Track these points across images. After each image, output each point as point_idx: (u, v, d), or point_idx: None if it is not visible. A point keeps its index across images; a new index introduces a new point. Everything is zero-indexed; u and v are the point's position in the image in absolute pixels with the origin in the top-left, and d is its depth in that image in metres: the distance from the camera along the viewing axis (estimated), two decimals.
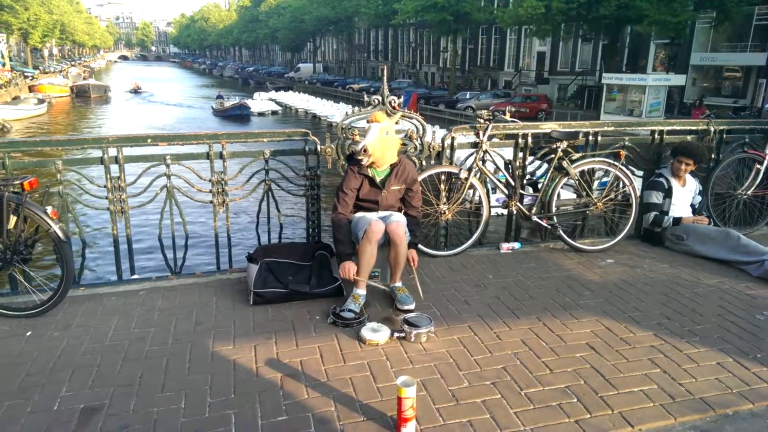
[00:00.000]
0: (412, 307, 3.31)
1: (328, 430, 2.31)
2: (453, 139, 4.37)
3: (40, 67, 56.73)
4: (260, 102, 40.71)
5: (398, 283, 3.49)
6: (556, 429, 2.32)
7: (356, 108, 4.18)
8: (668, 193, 4.62)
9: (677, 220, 4.59)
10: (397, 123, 4.17)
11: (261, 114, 37.64)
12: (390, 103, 4.03)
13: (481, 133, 4.30)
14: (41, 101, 34.17)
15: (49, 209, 3.19)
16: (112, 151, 3.68)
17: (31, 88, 41.48)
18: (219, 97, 39.86)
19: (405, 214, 3.65)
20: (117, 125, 32.11)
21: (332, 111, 34.08)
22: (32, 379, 2.65)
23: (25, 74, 46.56)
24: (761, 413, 2.47)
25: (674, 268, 4.20)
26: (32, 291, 3.28)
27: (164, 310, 3.40)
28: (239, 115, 34.48)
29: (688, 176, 4.70)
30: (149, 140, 3.76)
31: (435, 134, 4.51)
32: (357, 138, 4.07)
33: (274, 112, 39.33)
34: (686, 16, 22.15)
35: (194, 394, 2.54)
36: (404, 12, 37.22)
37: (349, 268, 3.34)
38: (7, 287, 3.61)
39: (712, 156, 5.07)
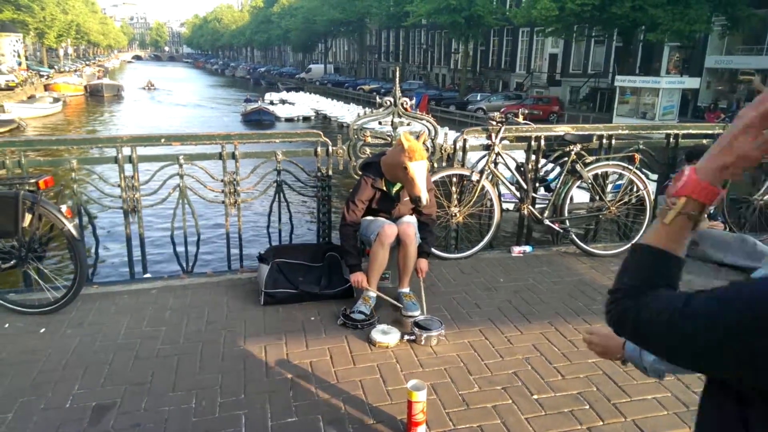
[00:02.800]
0: (416, 313, 3.28)
1: None
2: (465, 141, 4.35)
3: (56, 67, 57.31)
4: (289, 106, 35.94)
5: (406, 289, 3.46)
6: None
7: (368, 109, 4.18)
8: None
9: None
10: (408, 124, 4.17)
11: (289, 120, 33.22)
12: (402, 104, 4.02)
13: (493, 135, 4.28)
14: (56, 100, 34.49)
15: (64, 208, 3.22)
16: (126, 151, 3.70)
17: (46, 87, 41.90)
18: (247, 100, 36.23)
19: (418, 221, 3.55)
20: (130, 124, 32.31)
21: (342, 112, 33.69)
22: (45, 376, 2.68)
23: (41, 73, 47.06)
24: None
25: (688, 273, 4.15)
26: (46, 288, 3.31)
27: (176, 309, 3.42)
28: (258, 121, 31.75)
29: None
30: (163, 140, 3.79)
31: (447, 136, 4.49)
32: (369, 140, 4.07)
33: (305, 118, 33.97)
34: (701, 27, 21.93)
35: (205, 394, 2.55)
36: (416, 14, 37.17)
37: (360, 280, 3.33)
38: (22, 284, 3.64)
39: None
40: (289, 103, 37.85)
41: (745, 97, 25.91)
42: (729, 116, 22.32)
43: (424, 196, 3.19)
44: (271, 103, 37.82)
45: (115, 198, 3.81)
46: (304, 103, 38.36)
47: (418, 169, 3.14)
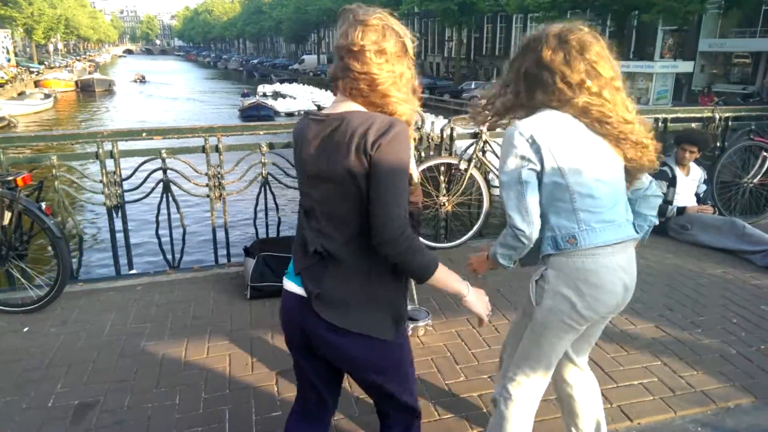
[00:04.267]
0: None
1: None
2: (452, 129, 4.31)
3: (45, 62, 56.82)
4: (289, 100, 33.83)
5: None
6: (553, 423, 2.29)
7: None
8: (672, 182, 4.55)
9: (681, 210, 4.52)
10: None
11: (289, 114, 30.90)
12: None
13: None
14: (47, 96, 34.20)
15: (43, 205, 3.19)
16: (107, 146, 3.65)
17: (36, 84, 41.54)
18: (245, 95, 34.57)
19: None
20: (122, 119, 32.05)
21: None
22: (28, 375, 2.65)
23: (31, 69, 46.66)
24: (764, 406, 2.42)
25: (678, 258, 4.14)
26: (29, 287, 3.28)
27: (161, 305, 3.39)
28: (256, 116, 29.63)
29: (692, 165, 4.62)
30: (144, 134, 3.74)
31: (434, 125, 4.45)
32: None
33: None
34: (695, 7, 21.80)
35: (189, 390, 2.53)
36: (409, 1, 36.92)
37: None
38: (5, 283, 3.60)
39: (718, 144, 4.99)
40: (290, 97, 36.62)
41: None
42: (723, 100, 22.25)
43: (414, 175, 3.19)
44: (264, 95, 37.23)
45: (98, 194, 3.76)
46: (303, 96, 37.30)
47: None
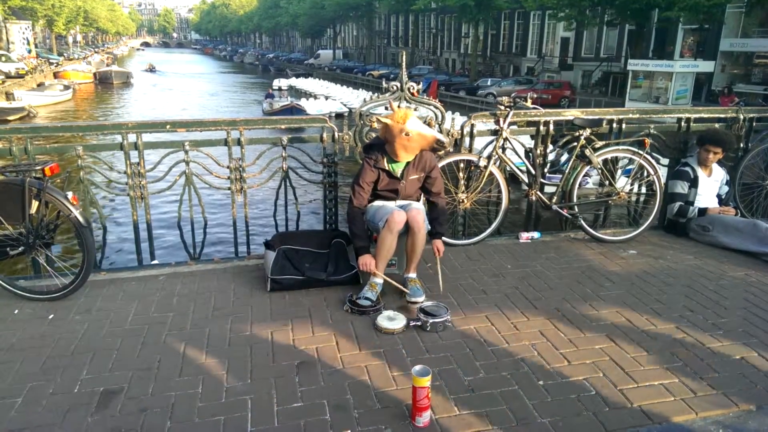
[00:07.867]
0: (420, 299, 3.25)
1: (343, 417, 2.31)
2: (472, 126, 4.30)
3: (65, 54, 57.49)
4: (319, 102, 32.06)
5: (412, 274, 3.44)
6: (573, 422, 2.29)
7: (375, 94, 4.14)
8: (694, 182, 4.51)
9: (702, 211, 4.48)
10: (415, 110, 4.12)
11: None
12: (408, 89, 3.98)
13: (501, 120, 4.23)
14: (66, 87, 34.59)
15: (70, 194, 3.23)
16: (132, 137, 3.70)
17: (55, 75, 41.99)
18: (269, 96, 32.21)
19: (429, 203, 3.56)
20: (140, 112, 32.30)
21: (351, 98, 33.15)
22: (54, 362, 2.70)
23: (50, 61, 47.20)
24: None
25: (699, 259, 4.10)
26: (54, 275, 3.33)
27: (183, 295, 3.43)
28: None
29: (714, 166, 4.58)
30: (168, 126, 3.78)
31: (454, 121, 4.45)
32: (375, 125, 4.04)
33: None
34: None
35: (211, 379, 2.56)
36: None
37: (368, 263, 3.31)
38: (31, 271, 3.67)
39: (741, 145, 4.92)
40: (313, 97, 35.68)
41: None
42: (744, 100, 21.87)
43: (441, 136, 3.32)
44: (279, 89, 37.23)
45: (122, 185, 3.82)
46: (321, 93, 36.67)
47: (417, 125, 3.26)
